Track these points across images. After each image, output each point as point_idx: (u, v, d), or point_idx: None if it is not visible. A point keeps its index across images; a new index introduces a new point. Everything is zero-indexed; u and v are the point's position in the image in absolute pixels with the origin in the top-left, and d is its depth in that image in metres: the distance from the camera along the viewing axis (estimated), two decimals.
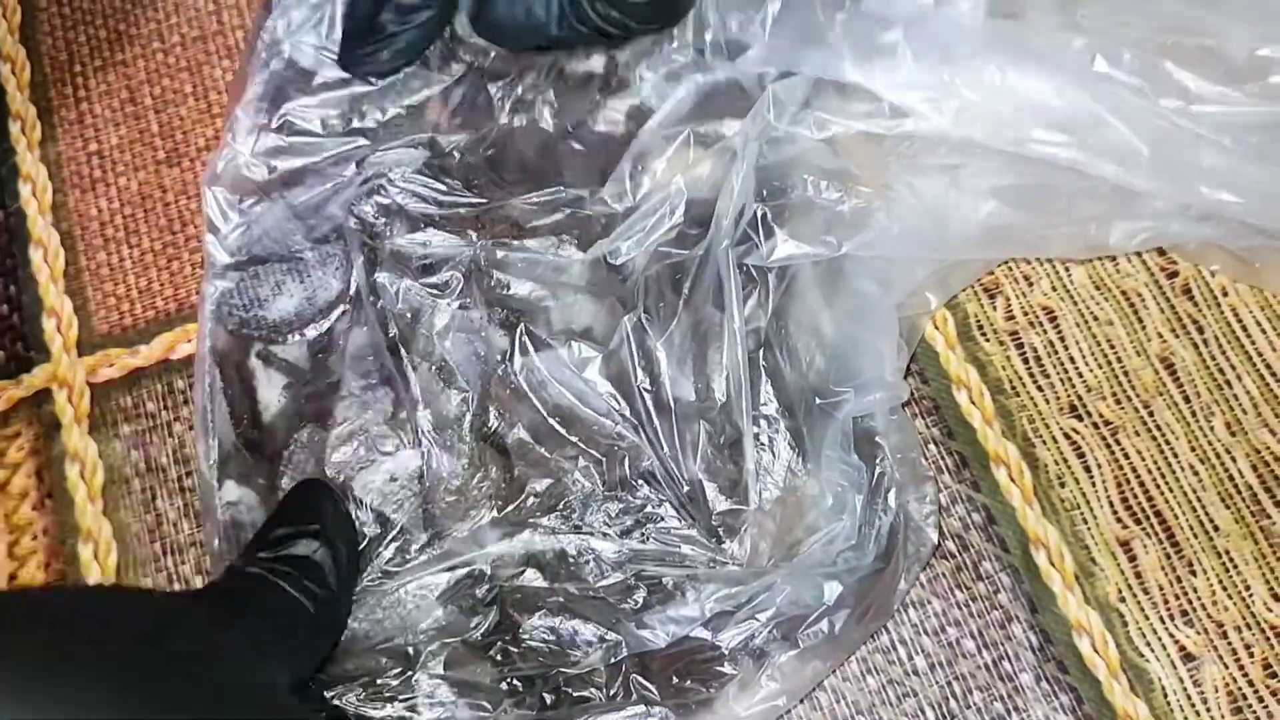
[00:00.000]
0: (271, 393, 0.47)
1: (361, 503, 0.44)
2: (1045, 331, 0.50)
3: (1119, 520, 0.47)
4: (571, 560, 0.44)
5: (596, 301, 0.47)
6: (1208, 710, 0.44)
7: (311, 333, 0.47)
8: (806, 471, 0.46)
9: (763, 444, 0.46)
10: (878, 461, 0.45)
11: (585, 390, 0.46)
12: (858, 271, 0.46)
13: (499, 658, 0.43)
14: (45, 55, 0.56)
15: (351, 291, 0.47)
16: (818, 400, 0.45)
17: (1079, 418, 0.49)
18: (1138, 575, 0.46)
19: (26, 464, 0.49)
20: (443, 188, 0.48)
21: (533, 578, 0.44)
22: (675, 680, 0.43)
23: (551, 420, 0.46)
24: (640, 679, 0.42)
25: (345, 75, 0.48)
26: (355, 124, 0.49)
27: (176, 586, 0.47)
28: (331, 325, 0.47)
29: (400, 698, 0.42)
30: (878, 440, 0.45)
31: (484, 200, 0.48)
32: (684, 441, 0.45)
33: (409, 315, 0.46)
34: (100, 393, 0.50)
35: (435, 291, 0.46)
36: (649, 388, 0.45)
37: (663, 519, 0.45)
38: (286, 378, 0.47)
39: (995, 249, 0.48)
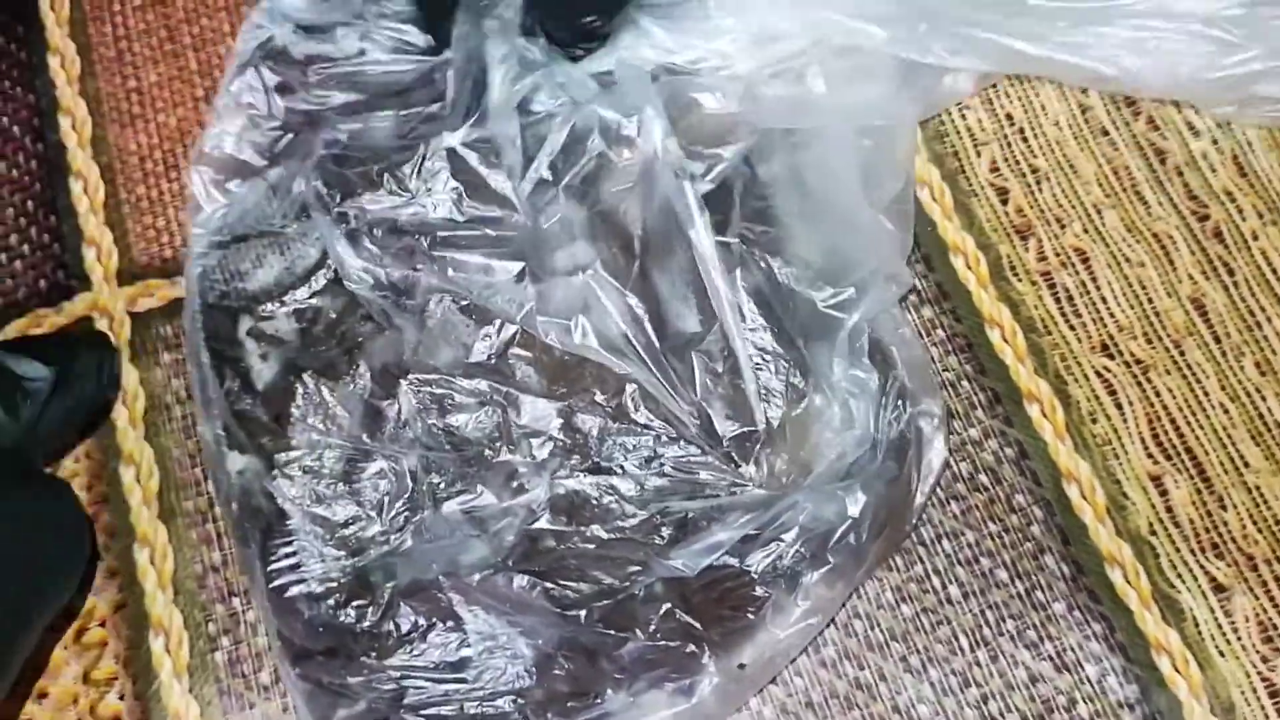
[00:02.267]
0: (263, 364, 0.47)
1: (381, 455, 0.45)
2: (1077, 272, 0.50)
3: (1150, 456, 0.48)
4: (595, 503, 0.45)
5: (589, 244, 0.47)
6: (1238, 639, 0.45)
7: (293, 301, 0.48)
8: (810, 385, 0.46)
9: (760, 364, 0.46)
10: (889, 371, 0.45)
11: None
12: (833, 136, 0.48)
13: (538, 586, 0.43)
14: None
15: (330, 262, 0.48)
16: (819, 305, 0.46)
17: (1110, 356, 0.49)
18: (1169, 509, 0.47)
19: None
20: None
21: (558, 522, 0.45)
22: (714, 610, 0.43)
23: (561, 359, 0.46)
24: (681, 613, 0.43)
25: (323, 50, 0.49)
26: (333, 100, 0.49)
27: (217, 511, 0.47)
28: (314, 293, 0.48)
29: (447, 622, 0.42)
30: (889, 349, 0.45)
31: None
32: (682, 371, 0.46)
33: (395, 277, 0.47)
34: (140, 322, 0.50)
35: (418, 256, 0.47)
36: (644, 322, 0.46)
37: (677, 448, 0.46)
38: (276, 348, 0.47)
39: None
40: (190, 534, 0.47)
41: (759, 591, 0.43)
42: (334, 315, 0.47)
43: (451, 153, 0.47)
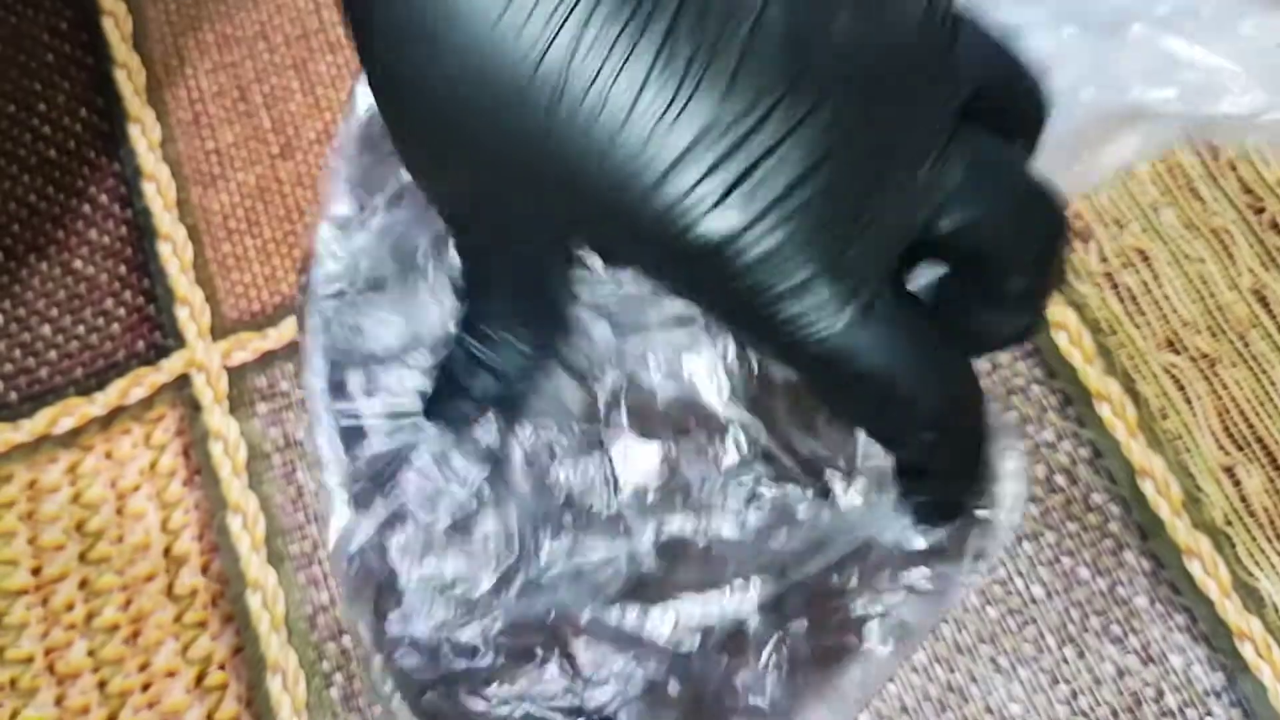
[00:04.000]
0: (380, 420, 0.47)
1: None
2: (1139, 271, 0.52)
3: (1221, 448, 0.49)
4: (696, 545, 0.46)
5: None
6: None
7: (413, 361, 0.48)
8: None
9: None
10: None
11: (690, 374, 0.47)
12: None
13: (644, 618, 0.44)
14: (158, 60, 0.59)
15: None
16: None
17: (1176, 352, 0.50)
18: (1243, 499, 0.48)
19: (173, 444, 0.52)
20: None
21: (661, 567, 0.46)
22: (818, 638, 0.44)
23: (663, 407, 0.47)
24: (787, 640, 0.44)
25: None
26: None
27: (321, 553, 0.50)
28: (433, 349, 0.48)
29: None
30: None
31: None
32: (780, 410, 0.47)
33: None
34: (235, 375, 0.53)
35: None
36: (749, 365, 0.47)
37: (777, 487, 0.47)
38: (395, 401, 0.47)
39: None
40: (299, 576, 0.49)
41: (857, 613, 0.44)
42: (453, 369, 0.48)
43: None
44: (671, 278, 0.31)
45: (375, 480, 0.46)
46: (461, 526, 0.45)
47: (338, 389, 0.47)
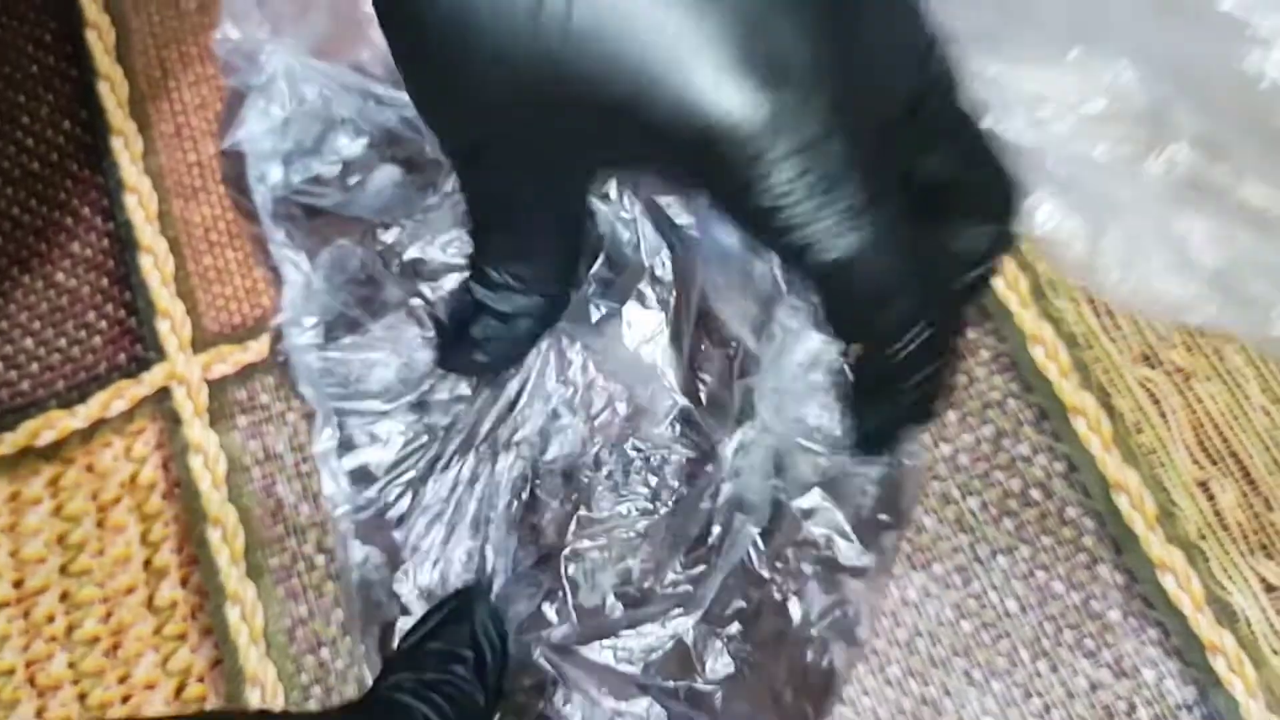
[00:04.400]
0: (386, 453, 0.47)
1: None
2: None
3: (1196, 462, 0.49)
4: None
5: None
6: None
7: (408, 398, 0.48)
8: None
9: None
10: None
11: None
12: None
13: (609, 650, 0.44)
14: (141, 73, 0.59)
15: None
16: None
17: (1152, 366, 0.51)
18: (1217, 514, 0.48)
19: (153, 457, 0.52)
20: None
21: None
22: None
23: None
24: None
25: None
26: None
27: (300, 566, 0.50)
28: (425, 392, 0.48)
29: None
30: None
31: None
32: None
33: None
34: (216, 388, 0.53)
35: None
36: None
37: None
38: (399, 436, 0.47)
39: None
40: (277, 590, 0.50)
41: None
42: (448, 400, 0.47)
43: None
44: (693, 174, 0.33)
45: (383, 516, 0.46)
46: (468, 559, 0.45)
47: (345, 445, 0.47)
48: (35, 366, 0.53)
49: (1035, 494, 0.49)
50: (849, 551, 0.43)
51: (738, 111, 0.28)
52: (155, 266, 0.55)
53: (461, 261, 0.47)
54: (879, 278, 0.30)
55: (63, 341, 0.54)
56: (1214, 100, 0.45)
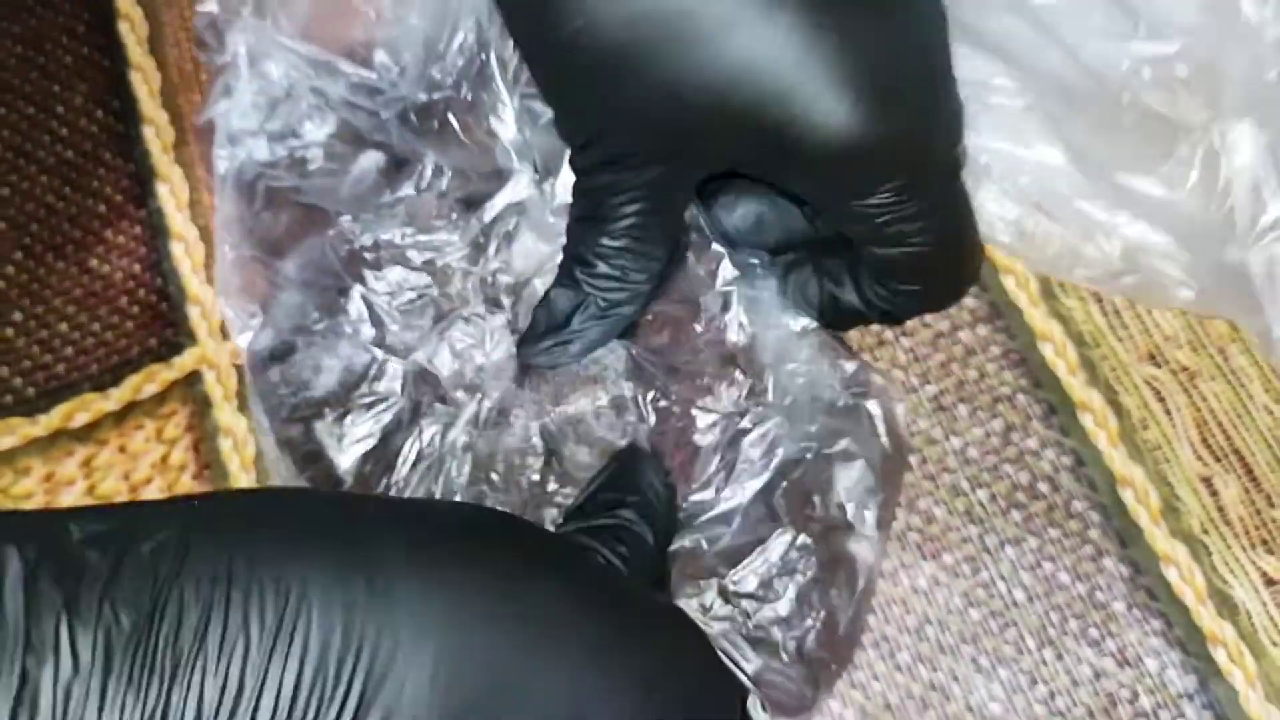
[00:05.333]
0: (344, 459, 0.47)
1: None
2: None
3: (1200, 459, 0.51)
4: None
5: None
6: None
7: (359, 398, 0.48)
8: None
9: None
10: None
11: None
12: None
13: None
14: (172, 64, 0.61)
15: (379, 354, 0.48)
16: None
17: (1158, 365, 0.52)
18: (1219, 509, 0.50)
19: (184, 439, 0.53)
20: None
21: None
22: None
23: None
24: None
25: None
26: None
27: None
28: (375, 383, 0.48)
29: None
30: None
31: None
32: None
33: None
34: (244, 372, 0.54)
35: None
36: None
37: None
38: (354, 444, 0.47)
39: None
40: None
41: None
42: (402, 396, 0.48)
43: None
44: (797, 181, 0.41)
45: None
46: None
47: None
48: (70, 350, 0.55)
49: (1043, 487, 0.51)
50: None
51: (871, 136, 0.37)
52: (186, 253, 0.57)
53: (414, 252, 0.49)
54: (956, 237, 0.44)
55: (96, 326, 0.55)
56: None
